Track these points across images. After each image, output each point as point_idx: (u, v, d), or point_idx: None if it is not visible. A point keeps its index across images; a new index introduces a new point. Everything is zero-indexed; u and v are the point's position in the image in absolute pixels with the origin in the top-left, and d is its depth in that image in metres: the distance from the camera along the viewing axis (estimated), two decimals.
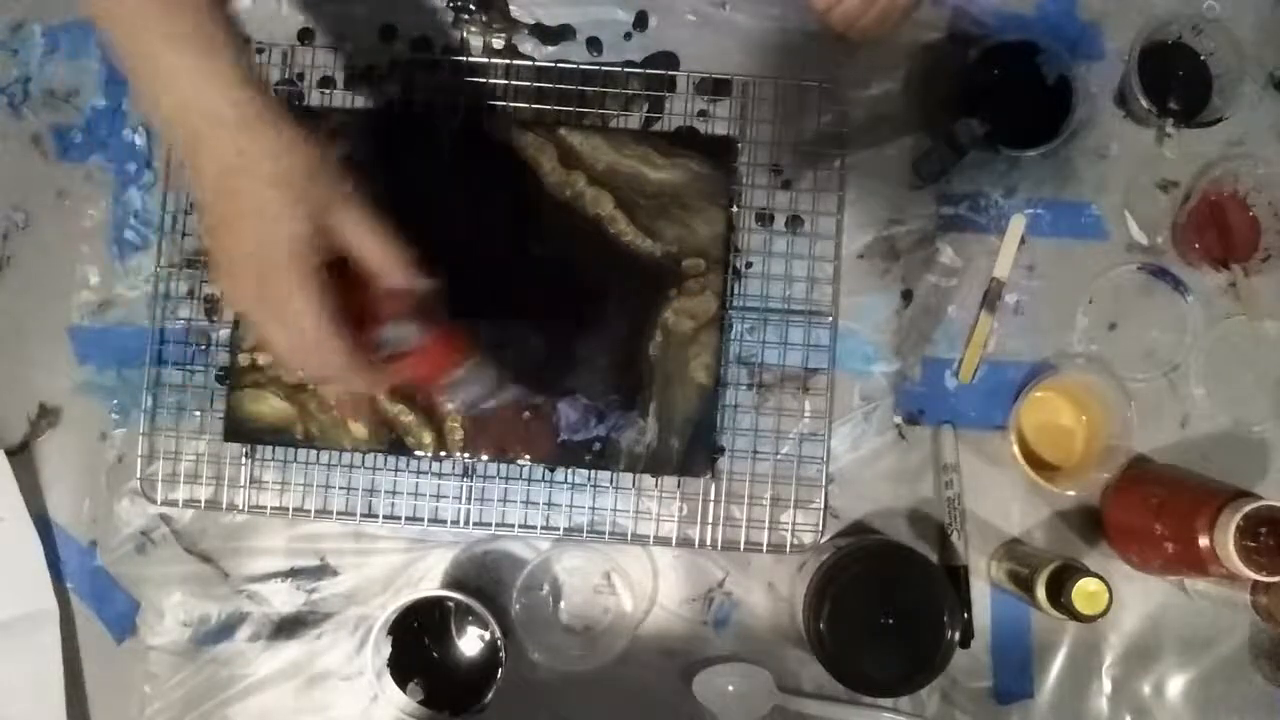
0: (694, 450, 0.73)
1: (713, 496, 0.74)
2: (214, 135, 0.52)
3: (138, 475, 0.75)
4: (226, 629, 0.75)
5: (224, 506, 0.75)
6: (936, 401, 0.75)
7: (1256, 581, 0.63)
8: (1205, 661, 0.73)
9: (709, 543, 0.73)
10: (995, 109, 0.71)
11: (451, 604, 0.71)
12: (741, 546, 0.73)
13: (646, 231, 0.74)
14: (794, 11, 0.76)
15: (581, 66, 0.76)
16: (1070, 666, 0.73)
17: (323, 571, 0.75)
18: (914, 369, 0.75)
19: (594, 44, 0.77)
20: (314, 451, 0.74)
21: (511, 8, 0.77)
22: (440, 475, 0.74)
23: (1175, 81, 0.74)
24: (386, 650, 0.70)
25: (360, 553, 0.75)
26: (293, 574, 0.75)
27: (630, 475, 0.74)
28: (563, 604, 0.75)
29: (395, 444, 0.73)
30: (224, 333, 0.75)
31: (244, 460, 0.75)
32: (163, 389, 0.75)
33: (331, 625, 0.74)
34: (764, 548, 0.73)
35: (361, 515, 0.74)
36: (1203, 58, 0.75)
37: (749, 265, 0.75)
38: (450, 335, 0.58)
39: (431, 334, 0.57)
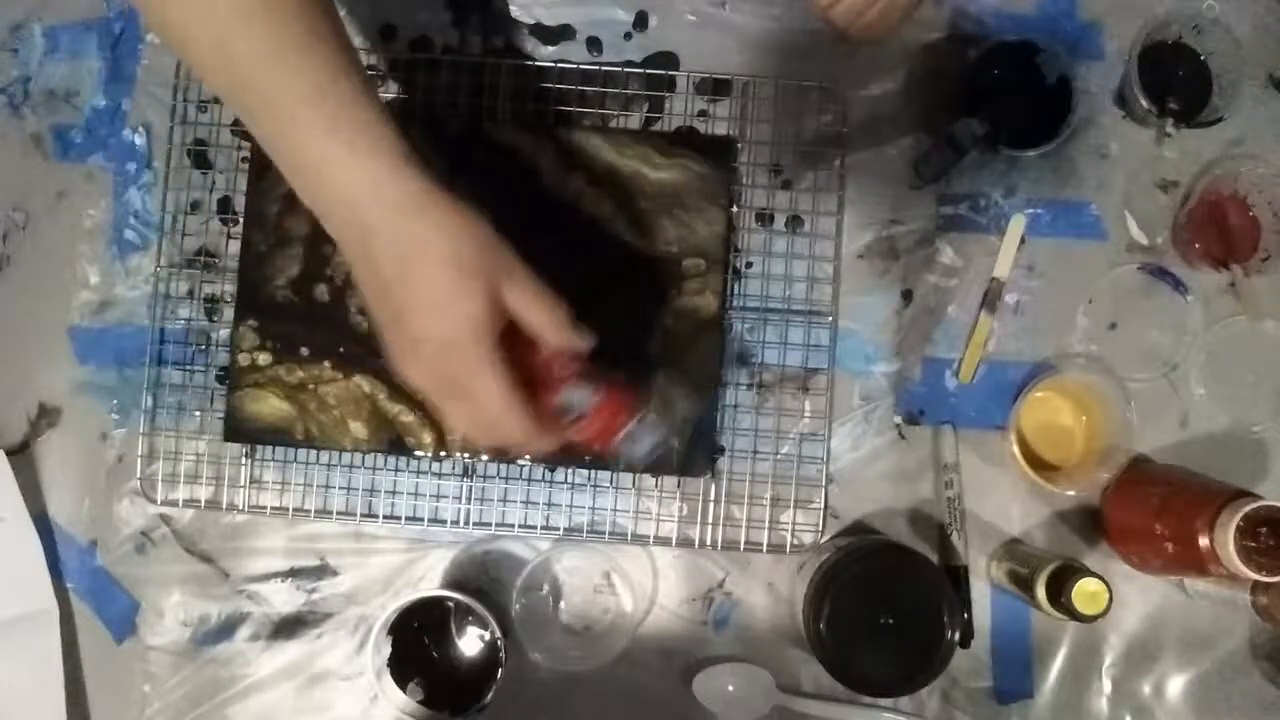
0: (694, 450, 0.73)
1: (713, 496, 0.74)
2: (389, 224, 0.51)
3: (138, 475, 0.75)
4: (226, 629, 0.75)
5: (224, 506, 0.75)
6: (936, 401, 0.75)
7: (1256, 581, 0.63)
8: (1205, 661, 0.73)
9: (709, 543, 0.73)
10: (995, 109, 0.71)
11: (451, 604, 0.71)
12: (741, 546, 0.73)
13: (646, 231, 0.73)
14: (794, 11, 0.76)
15: (581, 66, 0.76)
16: (1070, 666, 0.73)
17: (323, 571, 0.75)
18: (914, 369, 0.75)
19: (594, 44, 0.77)
20: (314, 451, 0.74)
21: (511, 8, 0.77)
22: (440, 475, 0.74)
23: (1175, 81, 0.74)
24: (386, 650, 0.70)
25: (360, 553, 0.75)
26: (293, 574, 0.75)
27: (630, 475, 0.74)
28: (563, 604, 0.75)
29: (395, 444, 0.73)
30: (224, 333, 0.75)
31: (244, 460, 0.75)
32: (163, 389, 0.75)
33: (331, 625, 0.74)
34: (764, 548, 0.73)
35: (361, 515, 0.74)
36: (1203, 58, 0.75)
37: (749, 265, 0.75)
38: (620, 391, 0.58)
39: (603, 392, 0.57)
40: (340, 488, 0.75)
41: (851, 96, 0.76)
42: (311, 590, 0.75)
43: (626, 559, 0.74)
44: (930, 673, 0.65)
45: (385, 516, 0.74)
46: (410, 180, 0.52)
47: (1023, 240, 0.75)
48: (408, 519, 0.74)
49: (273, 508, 0.74)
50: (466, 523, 0.74)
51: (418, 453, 0.73)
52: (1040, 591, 0.67)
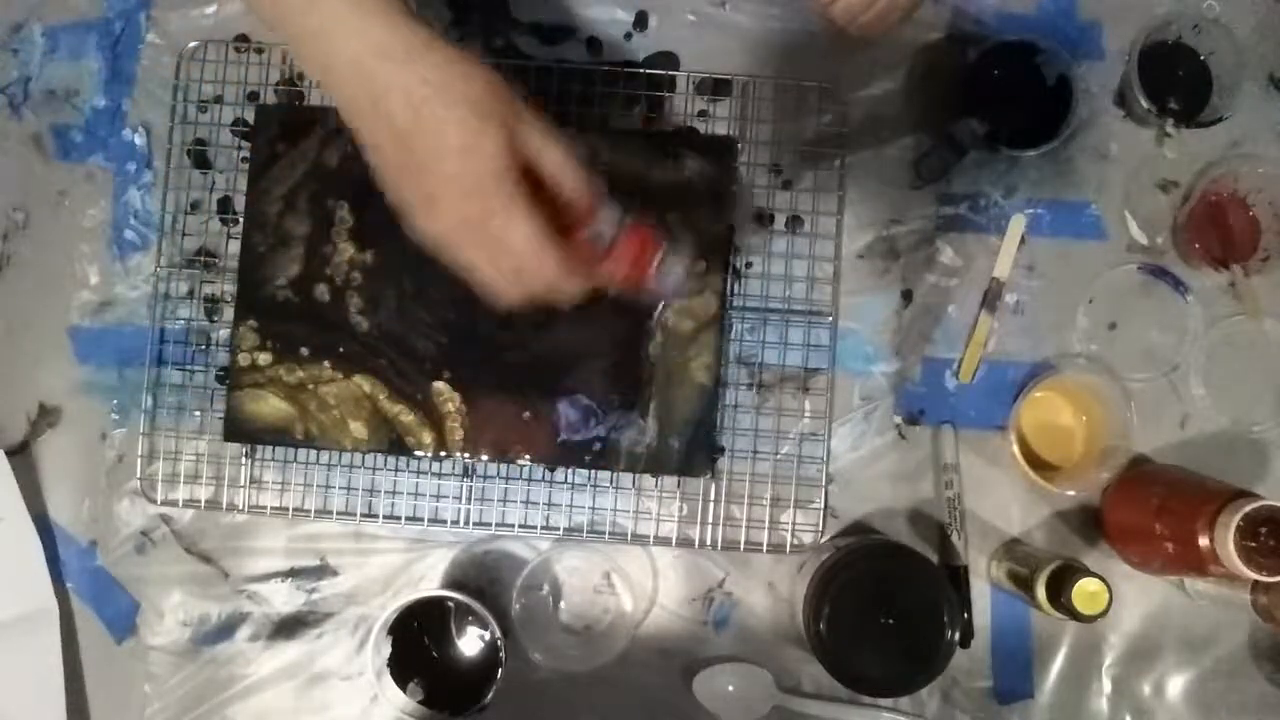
0: (694, 450, 0.73)
1: (713, 496, 0.74)
2: (397, 74, 0.51)
3: (138, 475, 0.75)
4: (226, 629, 0.75)
5: (224, 506, 0.75)
6: (936, 401, 0.75)
7: (1256, 581, 0.63)
8: (1205, 661, 0.73)
9: (709, 543, 0.73)
10: (995, 109, 0.71)
11: (451, 604, 0.71)
12: (741, 546, 0.73)
13: None
14: (794, 11, 0.76)
15: (581, 66, 0.76)
16: (1070, 666, 0.73)
17: (323, 571, 0.75)
18: (914, 369, 0.75)
19: (594, 44, 0.77)
20: (314, 451, 0.74)
21: (511, 8, 0.77)
22: (440, 475, 0.74)
23: (1175, 81, 0.74)
24: (386, 650, 0.70)
25: (360, 553, 0.75)
26: (293, 574, 0.75)
27: (630, 475, 0.74)
28: (563, 604, 0.75)
29: (395, 444, 0.73)
30: (224, 333, 0.75)
31: (244, 460, 0.75)
32: (163, 389, 0.75)
33: (331, 625, 0.74)
34: (764, 548, 0.73)
35: (361, 515, 0.74)
36: (1203, 58, 0.75)
37: (749, 265, 0.75)
38: (639, 223, 0.57)
39: (627, 224, 0.56)
40: (340, 488, 0.74)
41: (851, 96, 0.76)
42: (311, 590, 0.75)
43: (626, 559, 0.74)
44: (930, 673, 0.65)
45: (385, 516, 0.74)
46: (416, 32, 0.52)
47: (1023, 240, 0.75)
48: (408, 519, 0.74)
49: (273, 508, 0.74)
50: (466, 523, 0.74)
51: (418, 453, 0.73)
52: (1040, 591, 0.67)
